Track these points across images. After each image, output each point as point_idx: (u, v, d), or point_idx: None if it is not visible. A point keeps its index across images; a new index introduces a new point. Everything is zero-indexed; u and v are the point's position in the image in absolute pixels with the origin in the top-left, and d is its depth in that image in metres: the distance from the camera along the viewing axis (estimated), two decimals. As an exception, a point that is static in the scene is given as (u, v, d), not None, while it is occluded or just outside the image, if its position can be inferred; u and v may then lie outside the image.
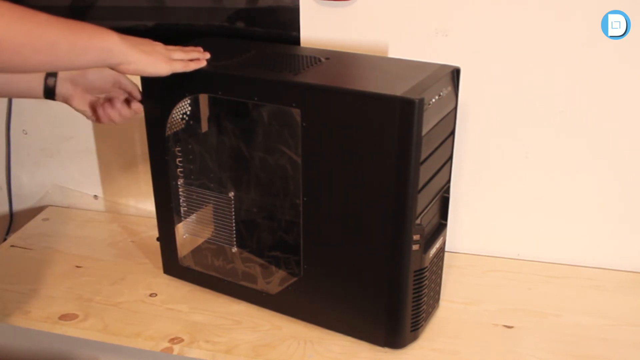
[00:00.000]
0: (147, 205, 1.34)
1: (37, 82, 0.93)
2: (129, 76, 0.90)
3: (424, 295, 0.92)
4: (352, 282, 0.91)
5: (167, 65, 0.86)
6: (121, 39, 0.80)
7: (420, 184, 0.83)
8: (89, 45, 0.77)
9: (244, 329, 0.99)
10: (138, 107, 0.97)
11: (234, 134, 1.01)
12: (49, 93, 0.94)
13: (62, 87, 0.94)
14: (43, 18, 0.72)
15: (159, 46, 0.87)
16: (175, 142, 1.00)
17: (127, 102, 0.98)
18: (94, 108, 0.97)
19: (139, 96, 0.98)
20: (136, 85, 0.97)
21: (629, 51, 0.98)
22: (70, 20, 0.75)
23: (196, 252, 1.10)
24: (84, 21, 0.77)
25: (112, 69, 0.82)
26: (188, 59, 0.89)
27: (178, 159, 1.02)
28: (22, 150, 1.36)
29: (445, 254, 1.01)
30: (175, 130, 0.99)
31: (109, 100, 0.97)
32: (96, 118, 0.97)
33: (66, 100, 0.95)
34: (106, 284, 1.11)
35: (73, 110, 0.96)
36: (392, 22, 1.05)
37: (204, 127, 1.03)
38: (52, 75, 0.93)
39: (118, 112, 0.96)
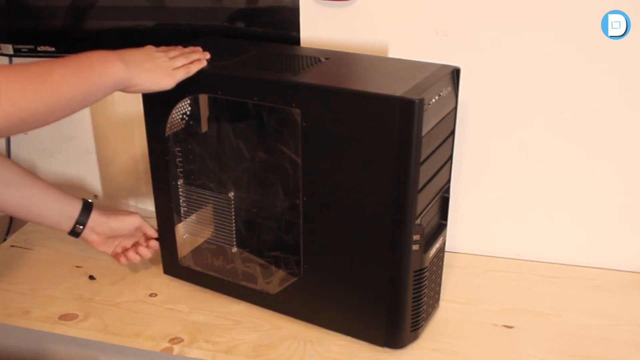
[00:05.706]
0: (147, 205, 1.34)
1: (66, 224, 1.02)
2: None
3: (424, 295, 0.92)
4: (352, 282, 0.91)
5: (170, 79, 0.86)
6: (125, 66, 0.81)
7: (420, 184, 0.83)
8: (99, 85, 0.79)
9: (244, 329, 0.99)
10: (155, 244, 1.08)
11: (234, 134, 1.00)
12: (75, 235, 1.04)
13: (88, 235, 1.04)
14: (57, 76, 0.74)
15: (160, 59, 0.87)
16: (175, 142, 1.00)
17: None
18: (114, 253, 1.08)
19: (155, 234, 1.08)
20: (153, 227, 1.08)
21: (629, 51, 0.98)
22: (78, 60, 0.78)
23: (196, 252, 1.10)
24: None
25: (121, 91, 0.84)
26: (189, 62, 0.89)
27: (178, 159, 1.02)
28: (22, 150, 1.36)
29: (445, 254, 1.00)
30: (175, 130, 0.99)
31: (127, 246, 1.08)
32: (117, 259, 1.08)
33: (90, 244, 1.05)
34: (106, 284, 1.11)
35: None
36: (392, 22, 1.05)
37: (204, 127, 1.03)
38: (80, 224, 1.02)
39: (136, 252, 1.07)
